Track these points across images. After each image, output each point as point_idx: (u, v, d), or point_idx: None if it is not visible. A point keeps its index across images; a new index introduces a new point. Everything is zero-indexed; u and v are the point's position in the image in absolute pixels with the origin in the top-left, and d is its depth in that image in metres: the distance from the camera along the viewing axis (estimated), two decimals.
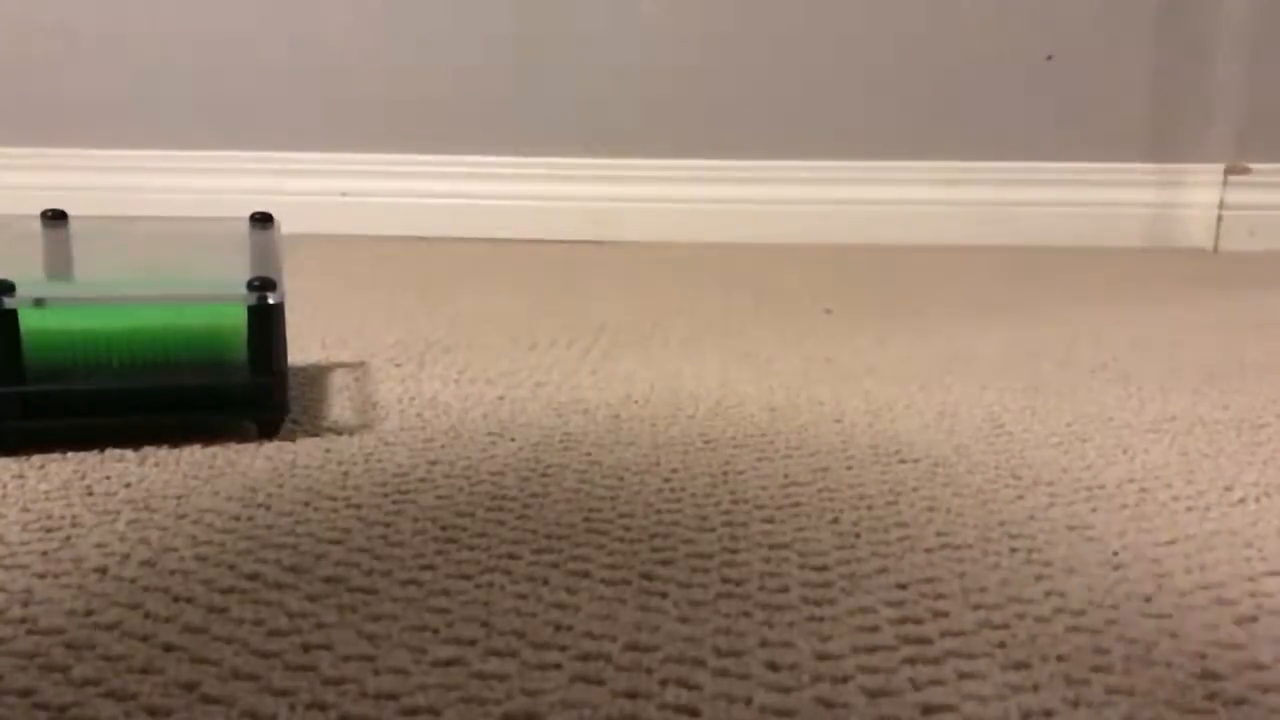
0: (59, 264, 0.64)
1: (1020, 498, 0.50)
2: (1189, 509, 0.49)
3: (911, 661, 0.35)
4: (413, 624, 0.37)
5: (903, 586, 0.40)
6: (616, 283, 1.10)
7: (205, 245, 0.69)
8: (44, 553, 0.42)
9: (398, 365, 0.72)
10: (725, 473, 0.52)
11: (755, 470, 0.53)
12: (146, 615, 0.37)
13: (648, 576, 0.41)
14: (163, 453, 0.54)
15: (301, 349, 0.76)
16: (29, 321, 0.53)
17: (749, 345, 0.81)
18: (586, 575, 0.41)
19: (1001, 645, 0.36)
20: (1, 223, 0.75)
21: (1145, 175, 1.44)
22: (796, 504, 0.48)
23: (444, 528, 0.45)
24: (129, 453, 0.53)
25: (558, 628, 0.37)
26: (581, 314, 0.92)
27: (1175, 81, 1.42)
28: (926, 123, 1.43)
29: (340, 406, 0.63)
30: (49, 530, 0.44)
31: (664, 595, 0.39)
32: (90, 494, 0.48)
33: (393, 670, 0.34)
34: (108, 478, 0.50)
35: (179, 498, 0.48)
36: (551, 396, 0.65)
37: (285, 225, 0.66)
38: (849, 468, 0.53)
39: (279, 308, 0.56)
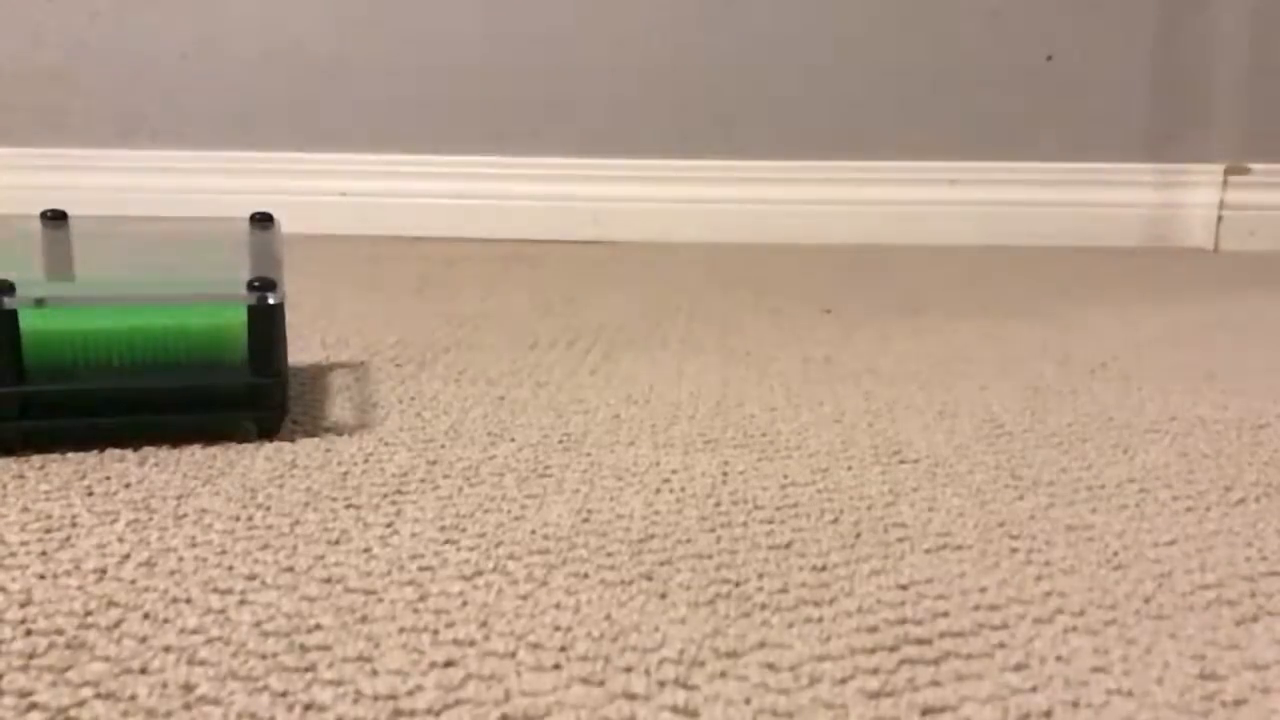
0: (59, 264, 0.64)
1: (1020, 498, 0.50)
2: (1189, 509, 0.49)
3: (911, 661, 0.35)
4: (411, 625, 0.37)
5: (903, 587, 0.40)
6: (616, 283, 1.10)
7: (205, 245, 0.69)
8: (44, 553, 0.42)
9: (398, 365, 0.72)
10: (725, 473, 0.52)
11: (755, 470, 0.53)
12: (145, 616, 0.37)
13: (648, 576, 0.41)
14: (163, 453, 0.53)
15: (301, 349, 0.76)
16: (29, 321, 0.53)
17: (749, 345, 0.81)
18: (586, 575, 0.41)
19: (1001, 645, 0.36)
20: (1, 223, 0.75)
21: (1145, 175, 1.44)
22: (796, 504, 0.48)
23: (444, 528, 0.45)
24: (129, 453, 0.53)
25: (557, 628, 0.37)
26: (581, 314, 0.92)
27: (1175, 81, 1.42)
28: (926, 123, 1.43)
29: (340, 406, 0.63)
30: (49, 530, 0.44)
31: (664, 595, 0.39)
32: (90, 494, 0.48)
33: (391, 672, 0.34)
34: (108, 478, 0.50)
35: (179, 498, 0.48)
36: (551, 396, 0.65)
37: (285, 225, 0.66)
38: (849, 468, 0.53)
39: (279, 308, 0.56)
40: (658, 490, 0.50)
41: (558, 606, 0.38)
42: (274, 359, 0.56)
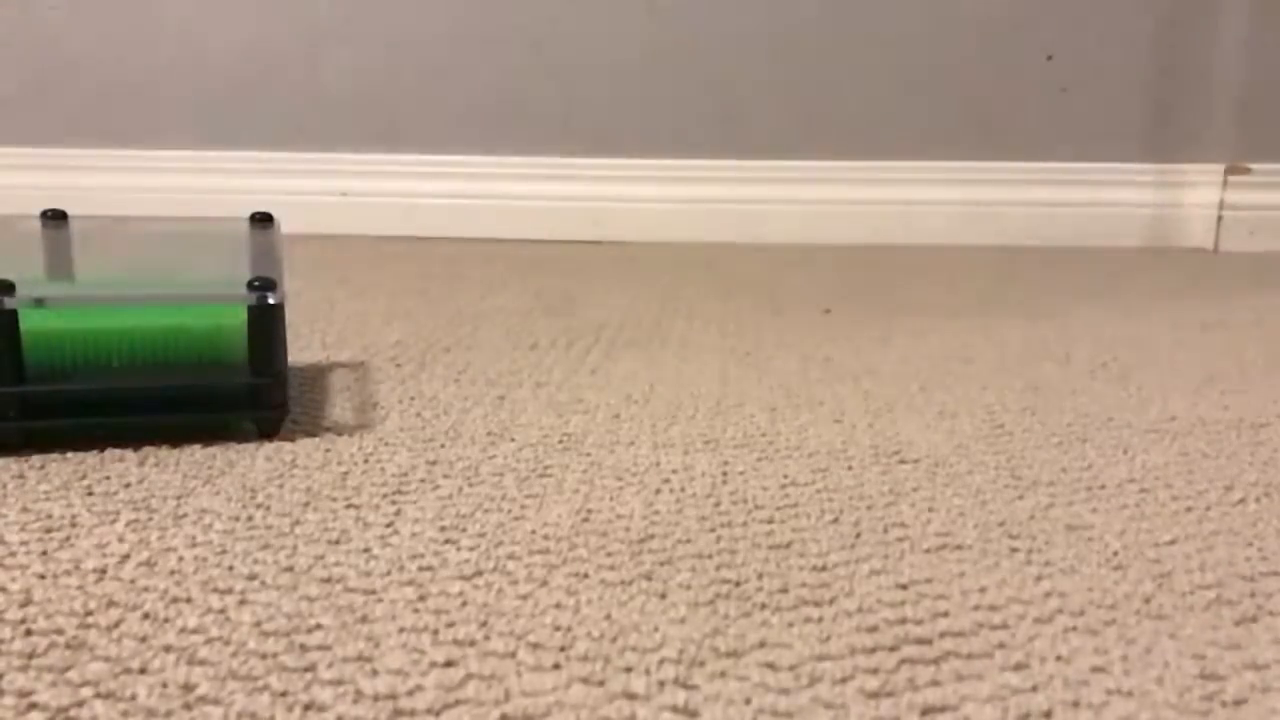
0: (59, 264, 0.64)
1: (1020, 498, 0.50)
2: (1189, 509, 0.49)
3: (911, 661, 0.35)
4: (411, 625, 0.37)
5: (903, 586, 0.40)
6: (616, 283, 1.10)
7: (205, 245, 0.69)
8: (44, 553, 0.42)
9: (398, 365, 0.72)
10: (725, 473, 0.52)
11: (755, 470, 0.53)
12: (145, 616, 0.37)
13: (648, 576, 0.41)
14: (163, 453, 0.54)
15: (301, 349, 0.76)
16: (29, 321, 0.53)
17: (749, 345, 0.81)
18: (586, 575, 0.41)
19: (1001, 645, 0.36)
20: (1, 223, 0.75)
21: (1145, 175, 1.44)
22: (796, 504, 0.48)
23: (444, 528, 0.45)
24: (129, 453, 0.53)
25: (557, 628, 0.37)
26: (581, 314, 0.92)
27: (1175, 81, 1.42)
28: (927, 123, 1.43)
29: (340, 406, 0.63)
30: (49, 530, 0.44)
31: (664, 595, 0.39)
32: (90, 494, 0.48)
33: (391, 672, 0.34)
34: (108, 478, 0.50)
35: (179, 498, 0.48)
36: (551, 396, 0.65)
37: (285, 225, 0.66)
38: (849, 468, 0.53)
39: (279, 308, 0.56)
40: (658, 490, 0.50)
41: (558, 606, 0.38)
42: (274, 359, 0.56)
